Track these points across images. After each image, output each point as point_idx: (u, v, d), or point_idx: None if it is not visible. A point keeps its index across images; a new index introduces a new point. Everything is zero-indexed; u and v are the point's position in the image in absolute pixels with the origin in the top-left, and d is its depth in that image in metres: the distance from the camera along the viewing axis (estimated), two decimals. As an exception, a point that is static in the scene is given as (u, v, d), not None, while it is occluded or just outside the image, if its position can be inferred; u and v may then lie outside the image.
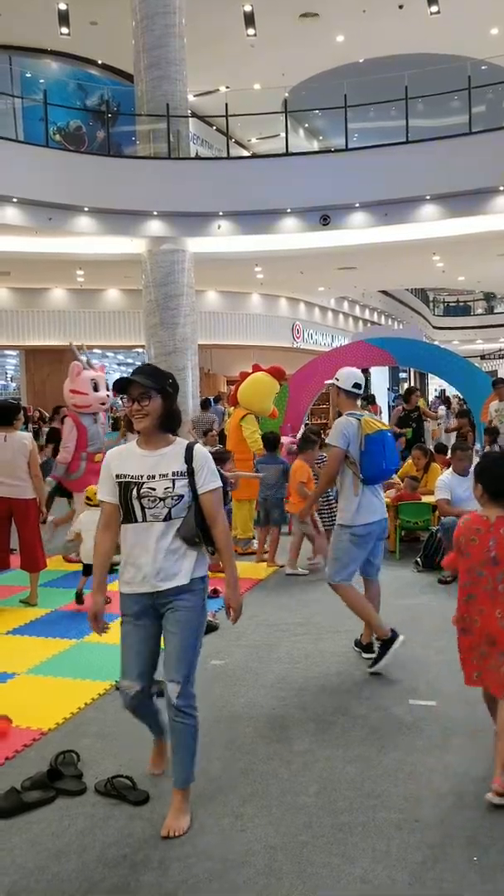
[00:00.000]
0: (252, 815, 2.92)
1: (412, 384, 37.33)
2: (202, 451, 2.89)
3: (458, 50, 16.84)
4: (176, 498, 2.80)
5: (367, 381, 15.74)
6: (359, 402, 4.68)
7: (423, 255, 16.19)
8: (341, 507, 4.43)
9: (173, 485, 2.80)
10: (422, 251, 15.42)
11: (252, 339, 21.21)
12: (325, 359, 11.06)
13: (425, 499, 7.06)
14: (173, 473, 2.82)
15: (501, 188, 12.22)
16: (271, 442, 7.25)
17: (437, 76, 15.13)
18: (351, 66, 18.04)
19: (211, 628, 5.04)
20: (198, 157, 14.91)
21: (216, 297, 20.11)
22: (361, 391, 4.58)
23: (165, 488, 2.79)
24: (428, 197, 12.59)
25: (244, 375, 8.04)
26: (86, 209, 12.60)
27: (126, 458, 2.89)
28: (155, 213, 12.95)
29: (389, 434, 4.44)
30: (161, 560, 2.81)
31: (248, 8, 15.34)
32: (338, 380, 4.53)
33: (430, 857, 2.64)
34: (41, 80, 16.79)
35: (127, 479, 2.82)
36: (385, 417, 18.75)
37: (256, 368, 8.10)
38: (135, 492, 2.79)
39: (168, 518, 2.80)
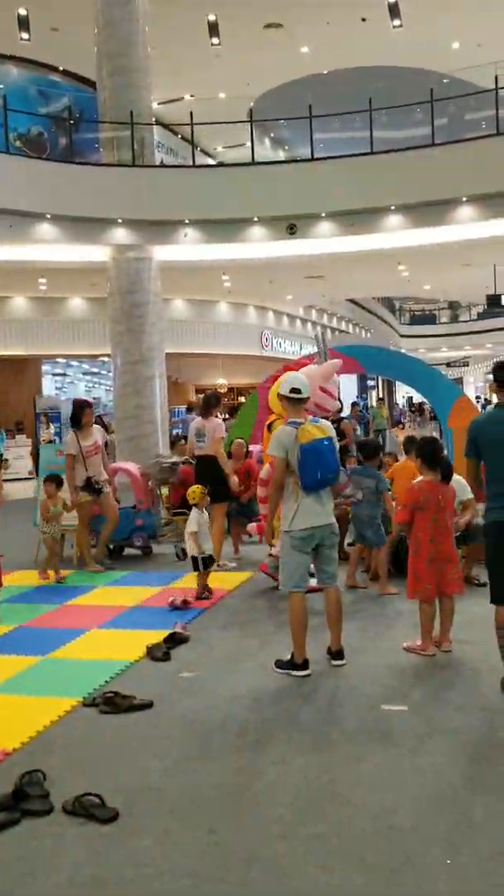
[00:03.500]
0: (225, 829, 2.86)
1: (380, 392, 37.77)
2: None
3: (420, 63, 17.16)
4: None
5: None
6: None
7: (388, 265, 16.37)
8: (282, 514, 4.44)
9: None
10: (387, 260, 15.59)
11: (220, 347, 21.21)
12: (294, 367, 11.04)
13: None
14: None
15: (464, 199, 12.41)
16: (369, 450, 6.42)
17: (400, 88, 15.36)
18: (315, 76, 18.23)
19: (181, 640, 4.97)
20: (163, 165, 14.88)
21: (183, 305, 20.06)
22: (302, 395, 4.51)
23: None
24: (392, 207, 12.72)
25: (275, 378, 7.32)
26: (48, 216, 12.46)
27: None
28: (119, 220, 12.86)
29: (326, 441, 4.33)
30: None
31: (212, 17, 15.39)
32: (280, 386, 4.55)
33: (405, 862, 2.62)
34: (0, 86, 16.61)
35: None
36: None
37: (288, 368, 7.48)
38: None
39: None
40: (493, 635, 4.13)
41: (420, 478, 4.79)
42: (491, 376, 3.96)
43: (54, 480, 7.02)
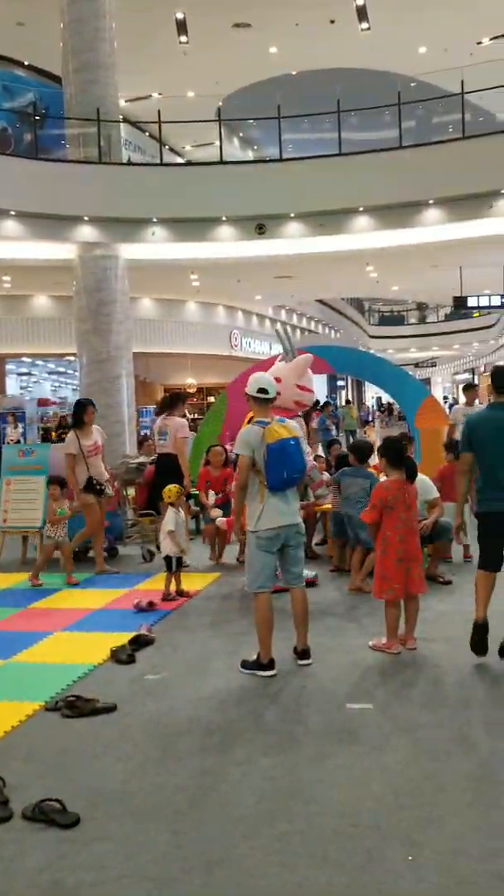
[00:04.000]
0: (189, 831, 2.84)
1: (349, 393, 37.98)
2: None
3: (388, 66, 17.28)
4: None
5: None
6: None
7: (357, 266, 16.45)
8: (248, 514, 4.44)
9: None
10: (356, 261, 15.67)
11: (189, 346, 21.11)
12: (263, 367, 11.03)
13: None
14: None
15: (431, 202, 12.54)
16: (362, 451, 6.42)
17: (368, 90, 15.46)
18: (284, 77, 18.25)
19: (146, 642, 4.93)
20: (130, 163, 14.77)
21: (151, 304, 19.94)
22: (268, 395, 4.51)
23: None
24: (361, 209, 12.80)
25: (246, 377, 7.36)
26: (12, 213, 12.28)
27: None
28: (86, 217, 12.74)
29: (293, 441, 4.34)
30: None
31: (180, 15, 15.32)
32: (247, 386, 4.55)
33: (368, 859, 2.63)
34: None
35: None
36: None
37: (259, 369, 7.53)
38: None
39: None
40: (457, 632, 4.20)
41: (386, 477, 4.82)
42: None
43: (58, 482, 6.78)
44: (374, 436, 19.97)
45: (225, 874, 2.59)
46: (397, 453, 4.80)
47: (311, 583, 5.84)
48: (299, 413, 6.20)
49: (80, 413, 7.18)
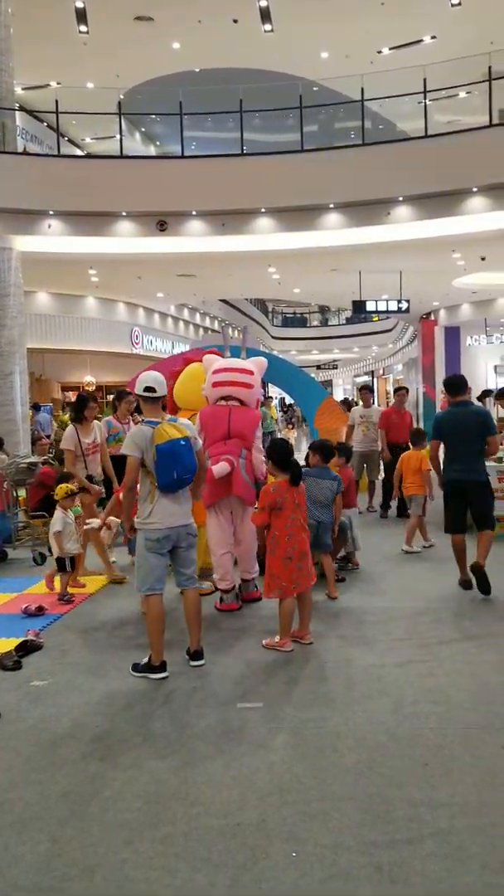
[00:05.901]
0: (70, 838, 2.77)
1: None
2: None
3: (291, 69, 17.49)
4: None
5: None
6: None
7: (259, 267, 16.58)
8: (138, 514, 4.39)
9: None
10: (258, 262, 15.79)
11: (88, 343, 20.65)
12: (163, 365, 10.94)
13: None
14: None
15: (331, 206, 12.80)
16: (325, 451, 5.99)
17: (271, 92, 15.62)
18: (187, 73, 18.15)
19: (34, 648, 4.78)
20: (26, 153, 14.29)
21: (48, 298, 19.35)
22: (157, 394, 4.44)
23: None
24: (263, 210, 12.91)
25: (176, 374, 6.91)
26: None
27: None
28: (-22, 207, 12.24)
29: (183, 441, 4.28)
30: None
31: (80, 4, 14.95)
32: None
33: (251, 857, 2.64)
34: None
35: None
36: None
37: (188, 361, 7.13)
38: None
39: None
40: (347, 630, 4.32)
41: (275, 479, 4.86)
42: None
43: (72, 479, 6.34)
44: (293, 437, 20.32)
45: (105, 880, 2.54)
46: (282, 456, 4.84)
47: (257, 598, 5.72)
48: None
49: (82, 408, 6.73)
